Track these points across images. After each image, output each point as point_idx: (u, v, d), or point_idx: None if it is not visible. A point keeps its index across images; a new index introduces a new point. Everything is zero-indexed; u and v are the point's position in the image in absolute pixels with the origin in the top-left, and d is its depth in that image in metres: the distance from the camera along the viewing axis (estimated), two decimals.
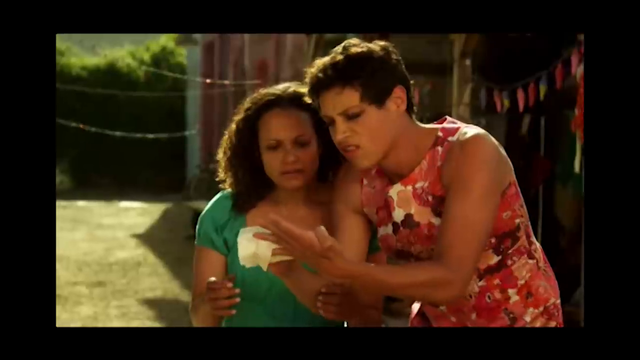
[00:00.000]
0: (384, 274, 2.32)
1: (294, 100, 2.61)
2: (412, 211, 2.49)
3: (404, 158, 2.47)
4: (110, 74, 23.62)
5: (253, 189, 2.66)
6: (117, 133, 18.93)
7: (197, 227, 2.71)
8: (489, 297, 2.54)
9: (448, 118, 2.56)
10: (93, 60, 24.14)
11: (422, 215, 2.48)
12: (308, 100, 2.50)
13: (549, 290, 2.59)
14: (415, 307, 2.74)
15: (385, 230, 2.55)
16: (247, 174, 2.65)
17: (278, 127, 2.59)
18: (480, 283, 2.52)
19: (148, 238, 13.99)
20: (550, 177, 8.09)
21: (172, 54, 24.11)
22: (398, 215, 2.52)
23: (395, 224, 2.53)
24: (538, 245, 2.60)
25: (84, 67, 23.80)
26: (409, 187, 2.49)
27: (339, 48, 2.45)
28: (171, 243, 13.41)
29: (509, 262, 2.52)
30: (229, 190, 2.71)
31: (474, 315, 2.56)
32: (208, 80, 18.17)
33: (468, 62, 7.01)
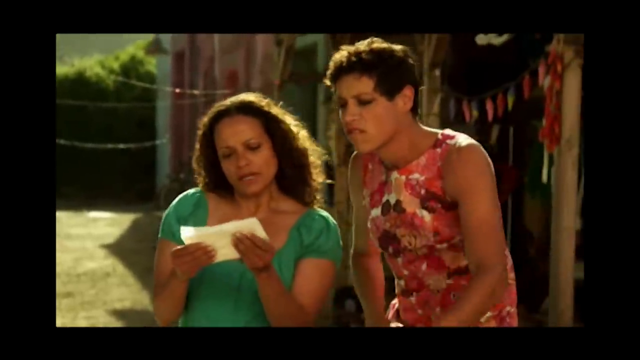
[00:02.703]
0: (467, 311, 2.56)
1: (242, 108, 2.76)
2: (402, 198, 2.75)
3: (401, 151, 2.73)
4: (79, 84, 23.47)
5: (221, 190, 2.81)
6: (87, 145, 18.81)
7: (161, 222, 2.81)
8: (453, 296, 2.74)
9: (446, 130, 2.80)
10: (62, 69, 23.96)
11: (410, 204, 2.73)
12: (257, 107, 2.73)
13: (507, 298, 2.76)
14: (394, 303, 2.94)
15: (376, 212, 2.81)
16: (213, 184, 2.81)
17: (228, 135, 2.73)
18: (448, 281, 2.75)
19: (117, 248, 13.92)
20: (519, 187, 8.14)
21: (142, 63, 24.01)
22: (390, 198, 2.77)
23: (384, 206, 2.79)
24: (509, 256, 2.78)
25: None
26: (403, 177, 2.75)
27: (363, 42, 2.70)
28: (140, 253, 13.35)
29: None
30: (195, 189, 2.84)
31: (438, 309, 2.76)
32: (178, 90, 18.14)
33: (437, 72, 7.05)
